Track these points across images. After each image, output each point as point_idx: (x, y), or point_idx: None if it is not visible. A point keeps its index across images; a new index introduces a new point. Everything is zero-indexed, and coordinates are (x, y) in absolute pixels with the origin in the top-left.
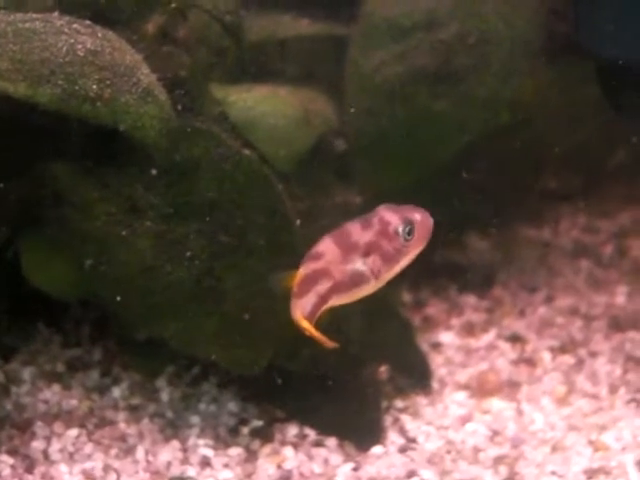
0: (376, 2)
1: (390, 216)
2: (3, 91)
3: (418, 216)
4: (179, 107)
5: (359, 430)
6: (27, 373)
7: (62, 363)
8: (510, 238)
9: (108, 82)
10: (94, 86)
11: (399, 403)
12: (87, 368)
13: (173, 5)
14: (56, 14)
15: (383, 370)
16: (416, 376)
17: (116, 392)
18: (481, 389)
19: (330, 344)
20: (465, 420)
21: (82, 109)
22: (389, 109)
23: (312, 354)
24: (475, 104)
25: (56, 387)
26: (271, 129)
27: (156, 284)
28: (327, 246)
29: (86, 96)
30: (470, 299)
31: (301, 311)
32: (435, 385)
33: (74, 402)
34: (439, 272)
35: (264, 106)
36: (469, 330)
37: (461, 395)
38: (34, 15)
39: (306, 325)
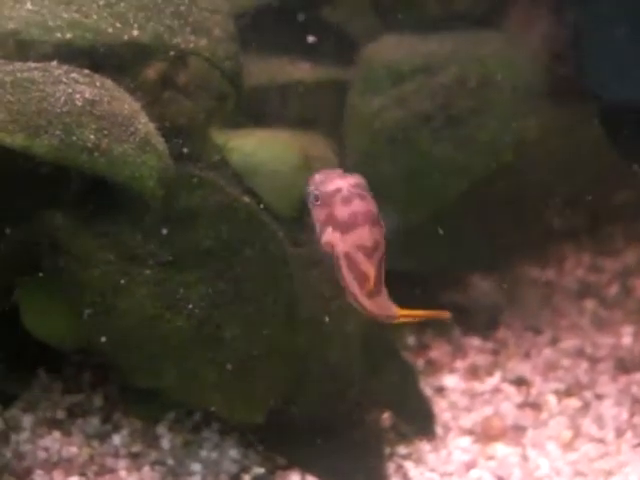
0: (375, 47)
1: None
2: (0, 142)
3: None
4: (179, 154)
5: (361, 477)
6: (27, 420)
7: (62, 410)
8: (514, 278)
9: (106, 132)
10: (92, 136)
11: (402, 449)
12: (87, 415)
13: (173, 52)
14: (55, 63)
15: (386, 416)
16: (419, 422)
17: (117, 439)
18: (486, 434)
19: (445, 314)
20: (469, 466)
21: (79, 160)
22: (390, 153)
23: (313, 401)
24: (476, 147)
25: (56, 434)
26: (272, 175)
27: (155, 333)
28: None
29: (83, 147)
30: (474, 341)
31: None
32: (439, 430)
33: (74, 449)
34: None
35: (265, 152)
36: (474, 373)
37: (465, 440)
38: (33, 64)
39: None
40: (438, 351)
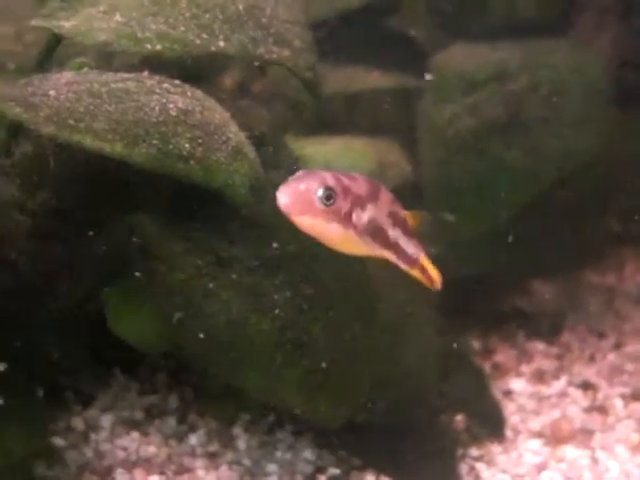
0: (447, 55)
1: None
2: (100, 151)
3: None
4: (261, 162)
5: (435, 478)
6: (106, 420)
7: (139, 410)
8: (575, 283)
9: (200, 141)
10: (187, 145)
11: (474, 451)
12: (164, 415)
13: (257, 63)
14: (146, 73)
15: (459, 419)
16: (490, 424)
17: (193, 439)
18: (555, 437)
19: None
20: (541, 468)
21: (175, 168)
22: (462, 160)
23: (391, 403)
24: (547, 154)
25: (134, 434)
26: None
27: (241, 336)
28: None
29: (179, 155)
30: (539, 346)
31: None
32: (508, 433)
33: (153, 449)
34: (506, 319)
35: (341, 159)
36: (540, 377)
37: (535, 443)
38: (125, 75)
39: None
40: (503, 355)
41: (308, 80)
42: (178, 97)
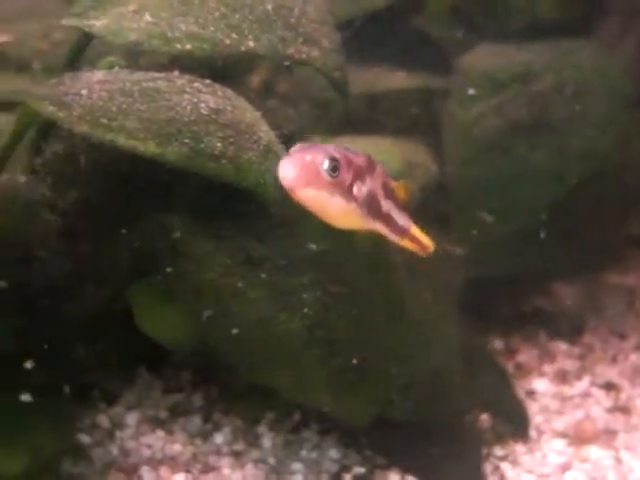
0: (473, 56)
1: None
2: (132, 149)
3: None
4: None
5: (460, 478)
6: (131, 418)
7: (164, 409)
8: (596, 284)
9: (231, 140)
10: (218, 144)
11: (498, 451)
12: (189, 413)
13: (287, 63)
14: (176, 73)
15: (484, 418)
16: (515, 424)
17: (218, 438)
18: (578, 437)
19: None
20: (565, 468)
21: (207, 167)
22: (487, 160)
23: (417, 402)
24: (572, 155)
25: (160, 432)
26: None
27: (270, 334)
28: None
29: (211, 154)
30: (561, 346)
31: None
32: (532, 433)
33: (178, 447)
34: (528, 319)
35: None
36: (562, 377)
37: (559, 443)
38: (155, 74)
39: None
40: (526, 355)
41: (336, 80)
42: (209, 96)
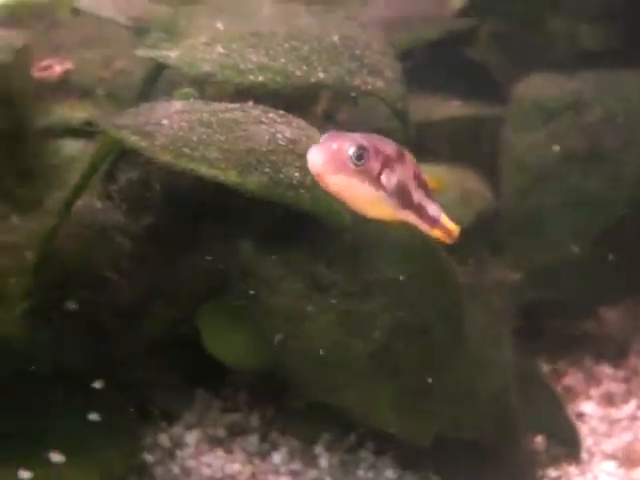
0: (526, 85)
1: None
2: (214, 179)
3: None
4: None
5: None
6: (190, 437)
7: (223, 428)
8: (638, 309)
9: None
10: (296, 174)
11: (552, 472)
12: (246, 433)
13: (353, 94)
14: (251, 103)
15: (539, 440)
16: (568, 445)
17: (276, 457)
18: (629, 459)
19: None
20: None
21: (286, 196)
22: (541, 188)
23: (476, 424)
24: (623, 183)
25: (219, 451)
26: None
27: (338, 357)
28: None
29: (290, 184)
30: (606, 369)
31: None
32: (583, 455)
33: (237, 466)
34: (574, 342)
35: None
36: (609, 400)
37: (610, 465)
38: (230, 105)
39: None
40: (572, 378)
41: (399, 110)
42: (284, 127)
